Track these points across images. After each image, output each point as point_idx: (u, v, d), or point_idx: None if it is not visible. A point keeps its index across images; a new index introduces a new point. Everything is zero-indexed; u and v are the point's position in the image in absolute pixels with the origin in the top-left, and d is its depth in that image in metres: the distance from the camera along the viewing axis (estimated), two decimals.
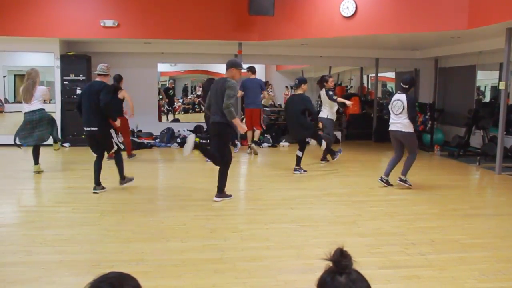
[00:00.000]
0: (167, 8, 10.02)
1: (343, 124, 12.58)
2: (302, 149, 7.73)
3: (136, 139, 10.49)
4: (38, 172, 7.48)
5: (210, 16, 10.14)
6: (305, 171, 7.67)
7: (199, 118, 12.16)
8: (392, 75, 15.56)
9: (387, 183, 6.70)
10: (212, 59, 12.03)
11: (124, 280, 1.36)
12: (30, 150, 7.65)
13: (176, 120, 14.26)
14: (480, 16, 7.31)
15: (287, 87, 16.09)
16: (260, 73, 15.53)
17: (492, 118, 9.37)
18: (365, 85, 16.02)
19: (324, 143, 7.76)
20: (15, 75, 19.21)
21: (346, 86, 16.17)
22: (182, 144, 10.82)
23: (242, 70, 6.10)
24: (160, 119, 12.70)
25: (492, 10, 7.04)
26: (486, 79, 12.19)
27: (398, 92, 6.63)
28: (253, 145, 9.71)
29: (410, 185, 6.58)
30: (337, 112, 9.16)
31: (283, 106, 14.30)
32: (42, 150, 7.79)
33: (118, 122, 6.30)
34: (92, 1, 9.96)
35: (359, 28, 8.50)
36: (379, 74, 12.94)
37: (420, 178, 7.02)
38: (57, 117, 10.35)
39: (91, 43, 10.90)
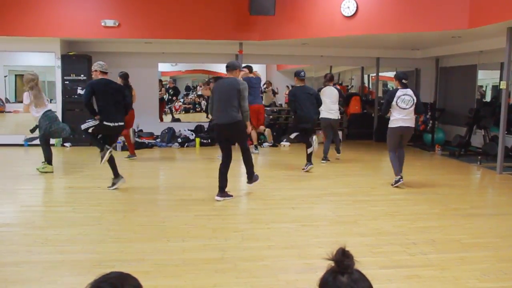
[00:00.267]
0: (168, 8, 10.02)
1: (344, 124, 12.58)
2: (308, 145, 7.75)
3: (137, 139, 10.49)
4: (49, 172, 7.50)
5: (211, 16, 10.14)
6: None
7: (200, 118, 12.17)
8: (393, 74, 15.54)
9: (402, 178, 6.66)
10: (213, 58, 12.03)
11: (125, 280, 1.36)
12: (31, 150, 7.68)
13: (177, 120, 14.26)
14: (481, 16, 7.30)
15: (287, 86, 16.08)
16: (261, 73, 15.55)
17: (493, 118, 9.36)
18: (366, 84, 16.02)
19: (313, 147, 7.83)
20: (16, 75, 19.24)
21: (347, 86, 16.17)
22: (182, 144, 10.84)
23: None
24: (161, 119, 12.72)
25: (493, 10, 7.03)
26: (487, 78, 12.17)
27: (400, 88, 6.60)
28: (266, 131, 9.87)
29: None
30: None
31: (284, 106, 14.33)
32: (41, 151, 7.81)
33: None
34: (93, 1, 9.97)
35: (360, 28, 8.49)
36: (380, 74, 12.93)
37: (421, 177, 7.02)
38: (58, 117, 10.35)
39: (92, 43, 10.91)
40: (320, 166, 8.20)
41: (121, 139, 9.34)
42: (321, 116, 8.54)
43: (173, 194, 6.35)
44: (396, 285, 3.46)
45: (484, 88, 12.08)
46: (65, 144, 10.40)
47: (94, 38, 10.30)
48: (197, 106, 18.35)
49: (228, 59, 6.12)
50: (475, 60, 10.75)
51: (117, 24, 9.92)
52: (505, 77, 7.71)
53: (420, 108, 6.66)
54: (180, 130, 11.39)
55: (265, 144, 11.01)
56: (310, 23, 9.12)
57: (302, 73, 7.91)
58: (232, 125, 5.79)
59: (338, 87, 9.69)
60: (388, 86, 16.74)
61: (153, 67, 11.86)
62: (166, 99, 16.19)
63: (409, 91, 6.55)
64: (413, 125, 6.65)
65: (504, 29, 7.44)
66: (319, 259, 3.79)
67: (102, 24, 9.88)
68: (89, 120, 6.41)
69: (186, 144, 10.86)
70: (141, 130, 11.25)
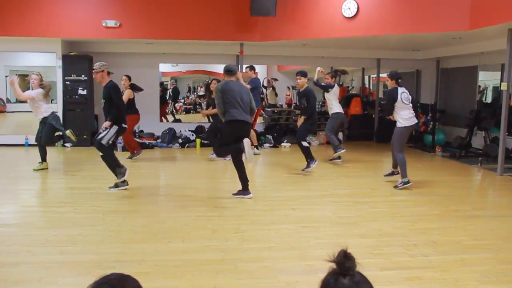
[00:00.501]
0: (169, 8, 10.02)
1: (344, 125, 12.57)
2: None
3: (137, 139, 10.49)
4: (44, 169, 7.61)
5: (212, 17, 10.15)
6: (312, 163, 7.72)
7: (201, 119, 12.15)
8: None
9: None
10: (213, 59, 12.04)
11: (125, 281, 1.36)
12: (31, 150, 7.70)
13: (177, 121, 14.27)
14: (482, 17, 7.30)
15: (288, 87, 16.09)
16: (262, 74, 15.56)
17: (493, 119, 9.36)
18: (367, 85, 16.02)
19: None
20: (17, 75, 19.22)
21: (348, 87, 16.17)
22: (183, 145, 10.84)
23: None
24: (161, 120, 12.72)
25: (494, 11, 7.03)
26: (488, 80, 12.17)
27: (398, 87, 6.64)
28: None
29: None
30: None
31: (285, 106, 14.33)
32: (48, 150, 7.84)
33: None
34: (94, 1, 9.98)
35: (360, 29, 8.49)
36: (381, 75, 12.92)
37: (421, 179, 7.02)
38: (59, 117, 10.35)
39: (93, 43, 10.91)
40: (320, 167, 8.17)
41: (120, 138, 9.34)
42: (338, 111, 8.76)
43: (173, 195, 6.35)
44: (396, 286, 3.45)
45: (481, 87, 12.08)
46: (65, 144, 10.40)
47: (95, 39, 10.31)
48: (198, 106, 18.36)
49: (229, 60, 6.13)
50: (476, 61, 10.74)
51: (118, 24, 9.92)
52: (506, 79, 7.70)
53: (415, 106, 6.81)
54: (180, 131, 11.39)
55: (266, 144, 11.00)
56: (311, 24, 9.12)
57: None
58: (249, 125, 6.05)
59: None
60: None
61: (154, 68, 11.87)
62: (167, 100, 16.23)
63: (404, 89, 6.66)
64: None
65: (505, 30, 7.44)
66: (319, 261, 3.80)
67: (103, 24, 9.89)
68: (106, 130, 6.25)
69: (187, 144, 10.86)
70: (141, 131, 11.25)
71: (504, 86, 7.74)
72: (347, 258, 1.35)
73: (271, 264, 3.82)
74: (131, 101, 8.81)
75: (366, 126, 12.47)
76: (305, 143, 7.70)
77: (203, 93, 14.90)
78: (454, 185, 7.21)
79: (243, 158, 5.91)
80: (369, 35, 8.62)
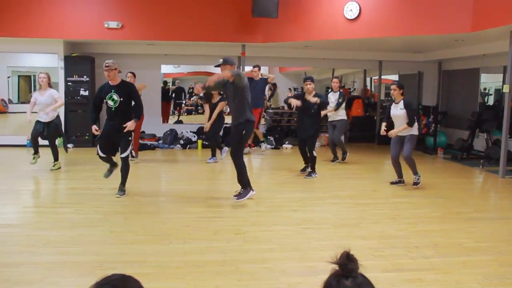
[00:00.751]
0: (171, 10, 10.04)
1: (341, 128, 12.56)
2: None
3: (139, 140, 10.49)
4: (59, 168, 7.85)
5: (214, 18, 10.16)
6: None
7: (202, 120, 12.15)
8: (395, 77, 15.55)
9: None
10: (215, 60, 11.84)
11: (127, 282, 1.36)
12: (32, 150, 7.71)
13: (179, 122, 14.28)
14: (484, 19, 7.30)
15: (290, 89, 16.07)
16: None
17: (495, 121, 9.34)
18: (368, 87, 16.01)
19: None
20: (19, 76, 19.31)
21: (349, 89, 16.17)
22: (185, 146, 10.85)
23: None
24: (165, 120, 12.75)
25: (496, 13, 7.02)
26: (490, 82, 12.16)
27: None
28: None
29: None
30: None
31: (285, 108, 14.31)
32: (46, 151, 7.83)
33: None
34: (96, 2, 9.99)
35: (362, 31, 8.49)
36: (383, 77, 12.93)
37: (423, 181, 7.00)
38: (61, 118, 10.35)
39: (95, 44, 10.93)
40: (322, 169, 8.16)
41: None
42: (345, 117, 9.04)
43: (175, 196, 6.35)
44: None
45: (487, 91, 12.07)
46: (68, 145, 10.40)
47: (97, 40, 10.33)
48: (199, 108, 18.37)
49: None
50: (478, 63, 10.73)
51: (120, 25, 9.94)
52: (508, 81, 7.69)
53: None
54: (182, 132, 11.40)
55: (267, 146, 10.99)
56: (313, 26, 9.12)
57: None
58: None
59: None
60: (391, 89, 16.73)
61: (156, 69, 11.88)
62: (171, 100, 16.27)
63: None
64: None
65: (507, 33, 7.43)
66: (321, 262, 3.80)
67: (105, 25, 9.90)
68: (130, 146, 6.13)
69: (188, 146, 10.87)
70: (143, 132, 11.25)
71: (506, 89, 7.73)
72: (350, 260, 1.35)
73: (272, 265, 3.82)
74: None
75: (367, 128, 12.46)
76: (315, 153, 7.62)
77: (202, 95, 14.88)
78: (456, 187, 7.20)
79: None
80: (371, 37, 8.62)
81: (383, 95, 14.18)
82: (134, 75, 8.85)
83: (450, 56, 10.80)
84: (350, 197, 6.33)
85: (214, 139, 9.02)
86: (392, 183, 7.10)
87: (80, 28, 9.92)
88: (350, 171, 8.35)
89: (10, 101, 18.66)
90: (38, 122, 7.66)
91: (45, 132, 7.63)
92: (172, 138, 11.04)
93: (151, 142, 10.84)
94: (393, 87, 6.88)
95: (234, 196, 5.95)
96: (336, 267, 1.36)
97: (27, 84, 19.41)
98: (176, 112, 17.46)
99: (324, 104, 7.56)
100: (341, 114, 8.92)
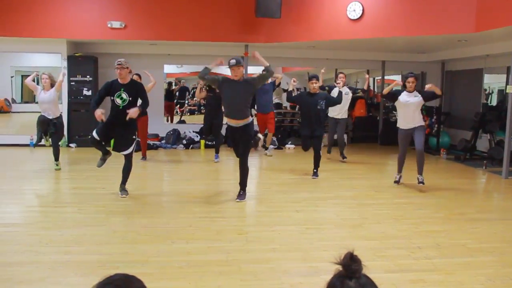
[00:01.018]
0: (174, 9, 10.04)
1: (349, 127, 12.55)
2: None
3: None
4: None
5: (217, 18, 10.16)
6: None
7: None
8: (398, 78, 15.52)
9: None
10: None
11: (130, 282, 1.36)
12: (36, 150, 7.75)
13: (182, 122, 14.29)
14: (487, 19, 7.27)
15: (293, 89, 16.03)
16: None
17: (499, 122, 9.32)
18: (371, 87, 15.98)
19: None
20: (22, 76, 19.35)
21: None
22: (187, 146, 10.86)
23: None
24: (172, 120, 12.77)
25: (500, 14, 7.00)
26: (493, 82, 12.12)
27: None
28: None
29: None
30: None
31: (289, 108, 14.31)
32: (48, 151, 7.85)
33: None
34: (99, 2, 10.01)
35: (365, 31, 8.48)
36: (386, 77, 12.90)
37: (426, 181, 6.99)
38: (64, 117, 10.39)
39: (98, 44, 10.95)
40: (324, 169, 8.15)
41: None
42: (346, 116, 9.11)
43: (177, 195, 6.35)
44: None
45: (490, 91, 12.04)
46: (70, 145, 10.44)
47: (100, 40, 10.35)
48: (202, 108, 18.36)
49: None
50: (481, 64, 10.70)
51: (123, 25, 9.95)
52: (511, 81, 7.67)
53: None
54: (185, 132, 11.41)
55: (270, 146, 10.98)
56: (316, 26, 9.12)
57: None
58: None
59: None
60: (393, 89, 16.70)
61: (159, 69, 11.88)
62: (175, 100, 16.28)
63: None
64: None
65: (511, 33, 7.41)
66: (323, 262, 3.80)
67: (109, 25, 9.92)
68: (133, 145, 6.07)
69: (191, 145, 10.88)
70: None
71: (509, 89, 7.71)
72: (354, 261, 1.35)
73: (275, 266, 3.82)
74: None
75: (370, 128, 12.45)
76: (321, 152, 7.63)
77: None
78: (459, 188, 7.19)
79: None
80: (374, 37, 8.61)
81: None
82: (140, 77, 8.86)
83: (453, 56, 10.77)
84: (352, 198, 6.33)
85: (218, 136, 9.06)
86: (396, 182, 7.10)
87: (83, 28, 9.94)
88: (353, 171, 8.34)
89: (14, 101, 18.71)
90: (43, 115, 7.62)
91: (53, 129, 7.60)
92: (175, 138, 11.06)
93: (153, 142, 10.85)
94: (412, 79, 6.74)
95: (236, 199, 5.99)
96: (339, 267, 1.36)
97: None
98: (178, 111, 17.46)
99: (339, 97, 7.63)
100: (345, 112, 9.00)
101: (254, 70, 12.56)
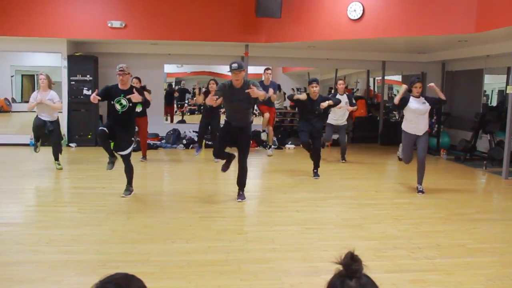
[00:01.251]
0: (174, 9, 10.05)
1: (349, 127, 12.55)
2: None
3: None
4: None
5: (217, 18, 10.16)
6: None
7: None
8: (398, 78, 15.54)
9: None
10: (218, 60, 12.03)
11: (130, 281, 1.36)
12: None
13: (182, 122, 14.29)
14: (488, 20, 7.27)
15: (293, 89, 16.07)
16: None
17: (499, 122, 9.33)
18: (372, 88, 15.99)
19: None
20: (22, 75, 19.37)
21: (353, 89, 16.15)
22: (187, 146, 10.86)
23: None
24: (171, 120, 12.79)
25: (501, 14, 7.00)
26: (493, 83, 12.12)
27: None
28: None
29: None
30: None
31: (289, 108, 14.33)
32: (48, 151, 7.84)
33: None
34: (99, 2, 10.01)
35: (366, 31, 8.48)
36: (386, 77, 12.90)
37: (426, 182, 6.99)
38: (64, 117, 10.41)
39: (99, 44, 10.95)
40: (325, 169, 8.15)
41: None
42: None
43: (177, 195, 6.35)
44: None
45: (489, 92, 12.03)
46: (70, 144, 10.44)
47: (100, 39, 10.35)
48: (202, 108, 18.35)
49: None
50: (482, 64, 10.70)
51: (123, 25, 9.95)
52: (511, 82, 7.67)
53: None
54: (185, 132, 11.41)
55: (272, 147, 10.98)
56: (316, 26, 9.12)
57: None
58: None
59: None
60: (394, 89, 16.72)
61: (159, 69, 11.89)
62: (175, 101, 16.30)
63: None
64: None
65: (511, 34, 7.41)
66: (323, 262, 3.80)
67: (109, 25, 9.92)
68: (131, 145, 6.02)
69: (191, 145, 10.88)
70: None
71: (510, 90, 7.71)
72: (354, 260, 1.35)
73: (275, 265, 3.82)
74: None
75: (370, 129, 12.45)
76: (321, 152, 7.68)
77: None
78: (459, 188, 7.19)
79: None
80: (375, 38, 8.61)
81: (386, 95, 14.16)
82: (140, 80, 8.84)
83: (453, 57, 10.77)
84: (352, 198, 6.33)
85: (216, 137, 9.06)
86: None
87: (84, 28, 9.94)
88: (353, 171, 8.34)
89: (14, 100, 18.71)
90: (38, 117, 7.59)
91: (50, 127, 7.57)
92: (175, 138, 11.06)
93: (153, 142, 10.85)
94: (419, 84, 6.71)
95: (237, 199, 5.99)
96: (340, 267, 1.36)
97: (30, 83, 19.46)
98: (179, 111, 17.47)
99: (336, 104, 7.65)
100: (345, 118, 9.05)
101: (254, 70, 12.58)
